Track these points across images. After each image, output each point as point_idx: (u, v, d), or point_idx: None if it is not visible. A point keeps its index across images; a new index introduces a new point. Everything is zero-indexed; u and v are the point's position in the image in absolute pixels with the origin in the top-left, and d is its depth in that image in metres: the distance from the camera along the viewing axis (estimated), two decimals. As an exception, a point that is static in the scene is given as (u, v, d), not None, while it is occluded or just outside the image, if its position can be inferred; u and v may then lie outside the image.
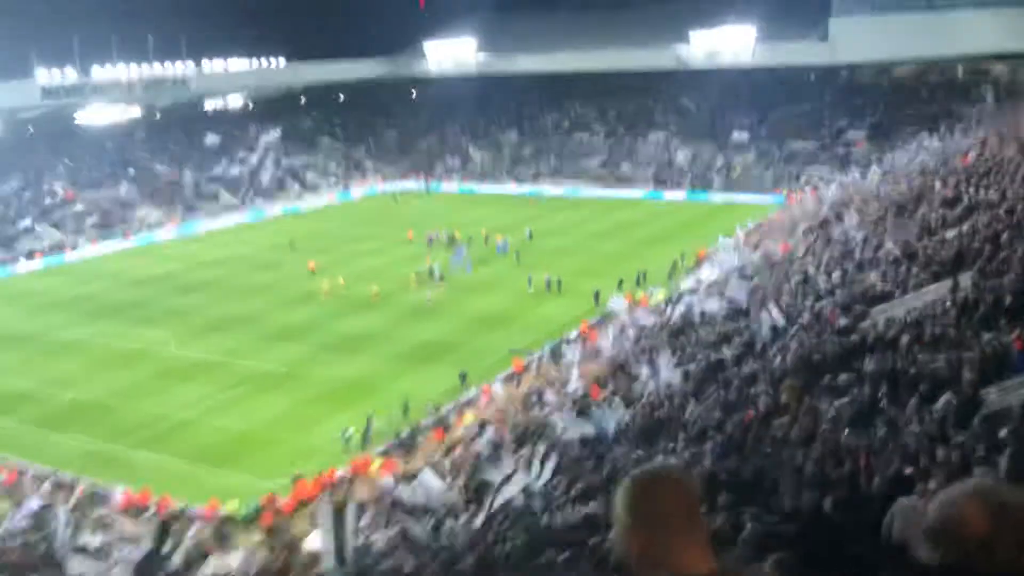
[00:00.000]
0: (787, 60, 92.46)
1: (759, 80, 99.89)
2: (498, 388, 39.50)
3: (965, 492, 2.58)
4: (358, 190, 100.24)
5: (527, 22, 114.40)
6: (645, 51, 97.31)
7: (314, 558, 27.36)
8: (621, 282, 54.64)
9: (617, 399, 27.66)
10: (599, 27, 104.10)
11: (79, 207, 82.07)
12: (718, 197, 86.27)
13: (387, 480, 31.70)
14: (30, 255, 72.44)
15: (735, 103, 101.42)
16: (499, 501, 17.43)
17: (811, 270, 34.53)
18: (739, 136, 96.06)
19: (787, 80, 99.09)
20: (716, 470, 15.80)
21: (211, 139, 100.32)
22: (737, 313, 33.52)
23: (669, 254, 60.65)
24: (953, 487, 2.62)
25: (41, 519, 29.63)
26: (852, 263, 31.59)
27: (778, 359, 23.46)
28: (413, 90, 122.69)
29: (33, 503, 30.85)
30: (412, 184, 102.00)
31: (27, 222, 77.28)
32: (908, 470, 11.67)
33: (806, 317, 26.44)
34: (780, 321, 27.05)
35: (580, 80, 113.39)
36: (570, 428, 22.71)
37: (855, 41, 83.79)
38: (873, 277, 27.28)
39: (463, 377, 41.45)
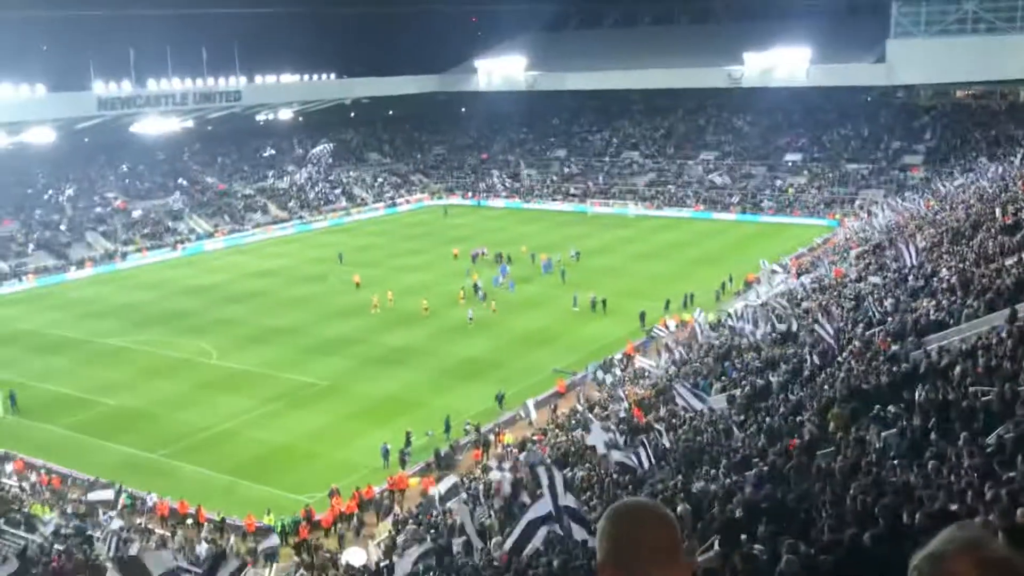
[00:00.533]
0: (843, 81, 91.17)
1: (813, 101, 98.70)
2: (532, 408, 39.11)
3: (954, 546, 2.36)
4: (405, 205, 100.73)
5: (577, 40, 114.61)
6: (696, 70, 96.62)
7: (351, 572, 27.14)
8: (668, 303, 54.00)
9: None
10: (650, 46, 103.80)
11: (130, 216, 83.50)
12: (769, 219, 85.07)
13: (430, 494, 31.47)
14: (81, 263, 73.78)
15: (788, 124, 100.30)
16: (530, 523, 16.97)
17: (863, 296, 33.63)
18: (792, 157, 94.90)
19: (842, 102, 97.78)
20: (756, 499, 15.25)
21: (266, 152, 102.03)
22: (785, 338, 32.73)
23: (717, 276, 59.86)
24: (938, 540, 2.39)
25: (81, 527, 29.91)
26: (905, 290, 30.68)
27: (826, 387, 22.76)
28: (462, 107, 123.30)
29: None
30: (459, 200, 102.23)
31: (80, 230, 78.80)
32: (954, 507, 11.05)
33: (856, 344, 25.67)
34: (830, 338, 26.28)
35: (630, 99, 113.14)
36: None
37: (913, 63, 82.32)
38: (926, 305, 26.43)
39: (500, 399, 40.91)
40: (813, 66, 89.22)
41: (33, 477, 35.20)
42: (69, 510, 31.05)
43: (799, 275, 52.68)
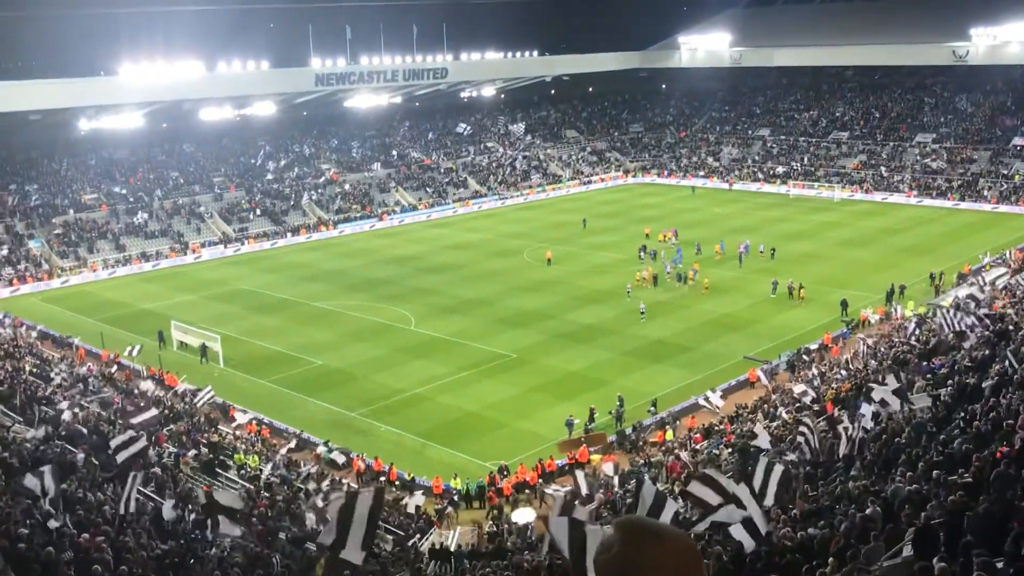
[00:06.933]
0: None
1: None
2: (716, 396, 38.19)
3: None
4: (600, 183, 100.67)
5: (787, 15, 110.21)
6: (917, 46, 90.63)
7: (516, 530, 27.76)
8: (879, 295, 51.38)
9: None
10: (866, 21, 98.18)
11: (342, 188, 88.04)
12: (991, 208, 78.94)
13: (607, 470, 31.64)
14: (296, 230, 78.74)
15: (1019, 105, 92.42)
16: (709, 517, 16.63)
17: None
18: (1020, 142, 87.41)
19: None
20: (953, 508, 14.35)
21: (469, 128, 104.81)
22: (1000, 337, 30.38)
23: (929, 267, 56.40)
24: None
25: (287, 476, 32.12)
26: None
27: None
28: (663, 84, 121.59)
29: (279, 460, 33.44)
30: (653, 178, 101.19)
31: (296, 199, 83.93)
32: None
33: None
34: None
35: (842, 76, 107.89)
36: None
37: None
38: None
39: (654, 404, 38.56)
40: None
41: (244, 424, 37.97)
42: (277, 460, 33.32)
43: (1020, 270, 48.67)
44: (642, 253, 63.91)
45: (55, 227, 71.65)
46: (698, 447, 32.77)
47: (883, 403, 25.39)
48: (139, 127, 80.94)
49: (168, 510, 21.00)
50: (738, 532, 15.60)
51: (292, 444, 36.33)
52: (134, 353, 45.14)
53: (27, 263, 66.54)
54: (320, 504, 26.25)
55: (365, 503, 13.13)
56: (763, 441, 25.05)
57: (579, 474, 28.18)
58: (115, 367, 43.92)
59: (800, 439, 24.39)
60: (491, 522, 29.94)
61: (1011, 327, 30.63)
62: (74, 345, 48.23)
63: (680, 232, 69.73)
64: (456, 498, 32.14)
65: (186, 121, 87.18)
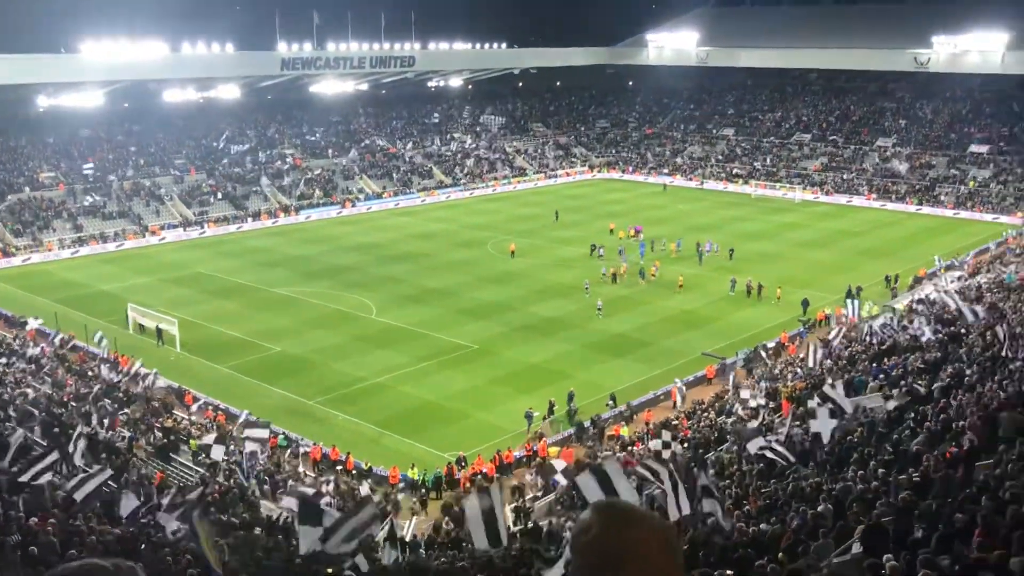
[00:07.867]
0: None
1: (1007, 90, 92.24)
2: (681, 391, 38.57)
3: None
4: (565, 177, 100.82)
5: (753, 17, 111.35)
6: (880, 52, 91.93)
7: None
8: (837, 296, 52.04)
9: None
10: (831, 25, 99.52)
11: (305, 174, 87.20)
12: (948, 213, 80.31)
13: (561, 468, 31.76)
14: (257, 214, 77.91)
15: (977, 113, 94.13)
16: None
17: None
18: (977, 149, 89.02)
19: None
20: (905, 507, 14.62)
21: (435, 118, 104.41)
22: (953, 340, 30.98)
23: (886, 269, 57.25)
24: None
25: (238, 463, 31.83)
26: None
27: (1000, 393, 21.39)
28: (630, 80, 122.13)
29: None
30: (618, 174, 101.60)
31: (257, 184, 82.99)
32: None
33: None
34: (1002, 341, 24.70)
35: (806, 79, 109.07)
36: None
37: None
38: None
39: (612, 398, 38.51)
40: (1010, 52, 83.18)
41: (196, 409, 37.54)
42: (232, 446, 33.02)
43: (975, 274, 49.67)
44: (601, 251, 63.66)
45: (6, 204, 70.20)
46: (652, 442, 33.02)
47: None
48: (99, 106, 79.54)
49: (127, 504, 20.64)
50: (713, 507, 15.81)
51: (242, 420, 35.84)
52: (97, 340, 43.84)
53: (-20, 241, 65.27)
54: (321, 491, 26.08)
55: (382, 527, 13.21)
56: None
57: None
58: (68, 348, 43.18)
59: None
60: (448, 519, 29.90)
61: (963, 330, 31.27)
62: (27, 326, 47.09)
63: (644, 228, 70.02)
64: (404, 486, 32.01)
65: (148, 102, 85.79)
